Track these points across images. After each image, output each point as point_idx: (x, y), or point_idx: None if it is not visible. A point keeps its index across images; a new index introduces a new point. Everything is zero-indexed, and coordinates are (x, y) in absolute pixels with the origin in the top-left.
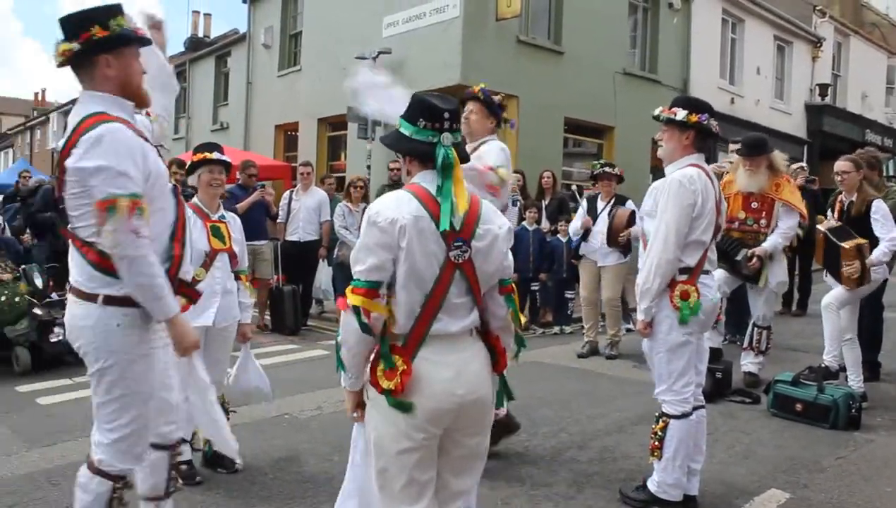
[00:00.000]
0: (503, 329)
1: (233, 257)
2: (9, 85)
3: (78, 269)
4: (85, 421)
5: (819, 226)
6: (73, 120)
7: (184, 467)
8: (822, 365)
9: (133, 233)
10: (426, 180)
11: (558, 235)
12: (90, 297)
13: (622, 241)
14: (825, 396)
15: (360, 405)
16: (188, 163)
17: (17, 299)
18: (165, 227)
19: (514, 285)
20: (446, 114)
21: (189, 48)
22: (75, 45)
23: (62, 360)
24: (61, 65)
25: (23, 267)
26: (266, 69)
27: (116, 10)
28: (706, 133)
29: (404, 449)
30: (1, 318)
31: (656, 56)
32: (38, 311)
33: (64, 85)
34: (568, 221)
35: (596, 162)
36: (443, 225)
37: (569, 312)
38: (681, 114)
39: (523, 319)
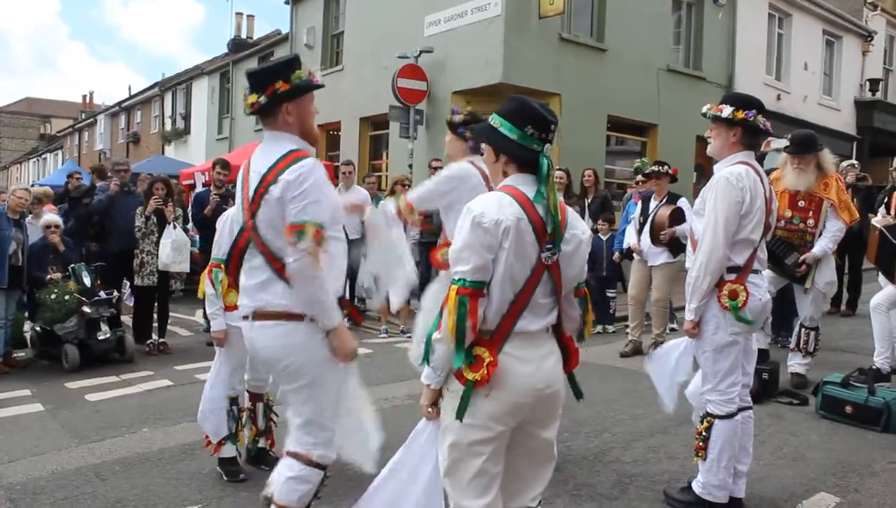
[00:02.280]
0: (575, 330)
1: None
2: (56, 86)
3: (274, 291)
4: (132, 418)
5: (874, 222)
6: (268, 156)
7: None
8: (873, 367)
9: (312, 257)
10: (521, 183)
11: (599, 234)
12: (295, 317)
13: (664, 239)
14: (876, 399)
15: (436, 402)
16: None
17: (66, 297)
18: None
19: (586, 289)
20: (552, 127)
21: (232, 49)
22: (262, 98)
23: (109, 358)
24: (250, 113)
25: (71, 266)
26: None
27: (296, 64)
28: (753, 130)
29: (480, 440)
30: (51, 316)
31: (700, 52)
32: (86, 309)
33: (110, 88)
34: (607, 220)
35: (643, 160)
36: (549, 227)
37: (611, 311)
38: (727, 110)
39: (589, 329)
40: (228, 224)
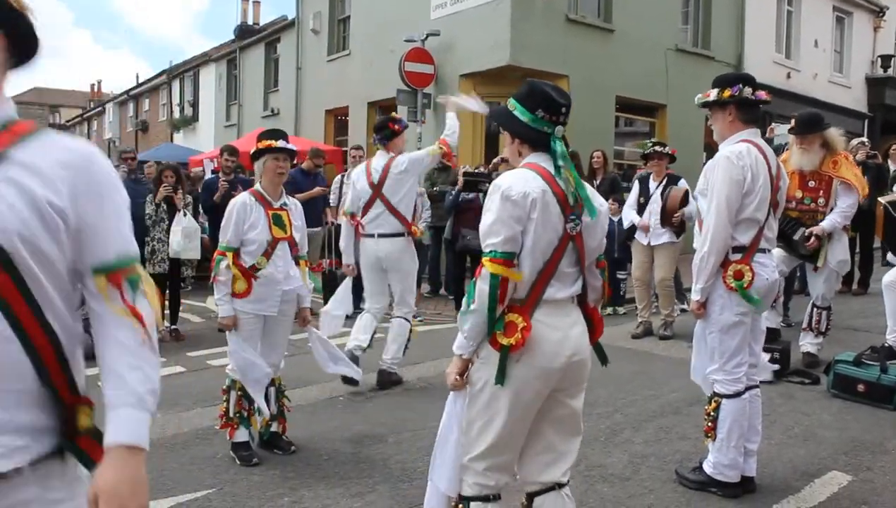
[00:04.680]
0: (598, 300)
1: (293, 245)
2: (62, 75)
3: None
4: None
5: (880, 199)
6: None
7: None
8: (886, 345)
9: None
10: (542, 161)
11: (610, 215)
12: None
13: (676, 222)
14: (889, 377)
15: (464, 371)
16: (252, 149)
17: None
18: None
19: (605, 261)
20: (563, 109)
21: (239, 36)
22: None
23: None
24: None
25: None
26: (315, 54)
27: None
28: (744, 103)
29: (509, 405)
30: None
31: (709, 31)
32: None
33: (116, 75)
34: (617, 201)
35: (647, 141)
36: (575, 204)
37: (621, 293)
38: (713, 93)
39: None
40: (236, 212)
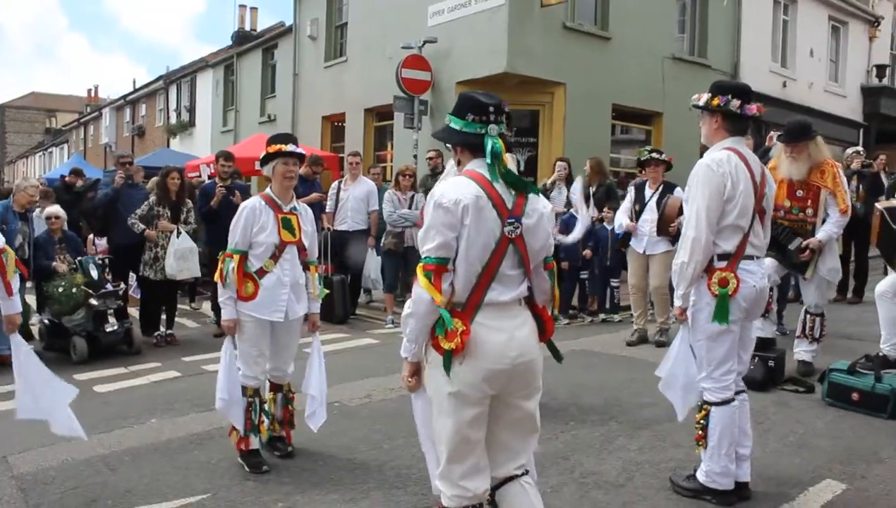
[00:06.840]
0: (546, 301)
1: (302, 249)
2: (59, 79)
3: None
4: (140, 409)
5: (877, 204)
6: None
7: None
8: (880, 354)
9: None
10: (477, 166)
11: (604, 223)
12: None
13: (673, 231)
14: (883, 385)
15: (415, 373)
16: (262, 154)
17: (73, 290)
18: None
19: (554, 262)
20: (491, 108)
21: (236, 42)
22: None
23: (117, 349)
24: None
25: (79, 258)
26: (312, 61)
27: None
28: (731, 116)
29: (460, 406)
30: (59, 309)
31: (706, 40)
32: (93, 302)
33: (112, 79)
34: (612, 209)
35: (643, 148)
36: (509, 204)
37: (615, 300)
38: (704, 98)
39: (556, 303)
40: (245, 216)
